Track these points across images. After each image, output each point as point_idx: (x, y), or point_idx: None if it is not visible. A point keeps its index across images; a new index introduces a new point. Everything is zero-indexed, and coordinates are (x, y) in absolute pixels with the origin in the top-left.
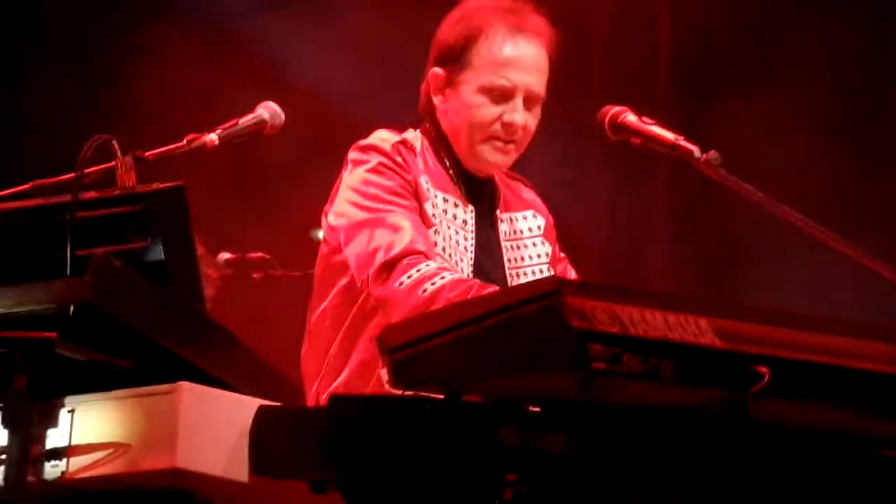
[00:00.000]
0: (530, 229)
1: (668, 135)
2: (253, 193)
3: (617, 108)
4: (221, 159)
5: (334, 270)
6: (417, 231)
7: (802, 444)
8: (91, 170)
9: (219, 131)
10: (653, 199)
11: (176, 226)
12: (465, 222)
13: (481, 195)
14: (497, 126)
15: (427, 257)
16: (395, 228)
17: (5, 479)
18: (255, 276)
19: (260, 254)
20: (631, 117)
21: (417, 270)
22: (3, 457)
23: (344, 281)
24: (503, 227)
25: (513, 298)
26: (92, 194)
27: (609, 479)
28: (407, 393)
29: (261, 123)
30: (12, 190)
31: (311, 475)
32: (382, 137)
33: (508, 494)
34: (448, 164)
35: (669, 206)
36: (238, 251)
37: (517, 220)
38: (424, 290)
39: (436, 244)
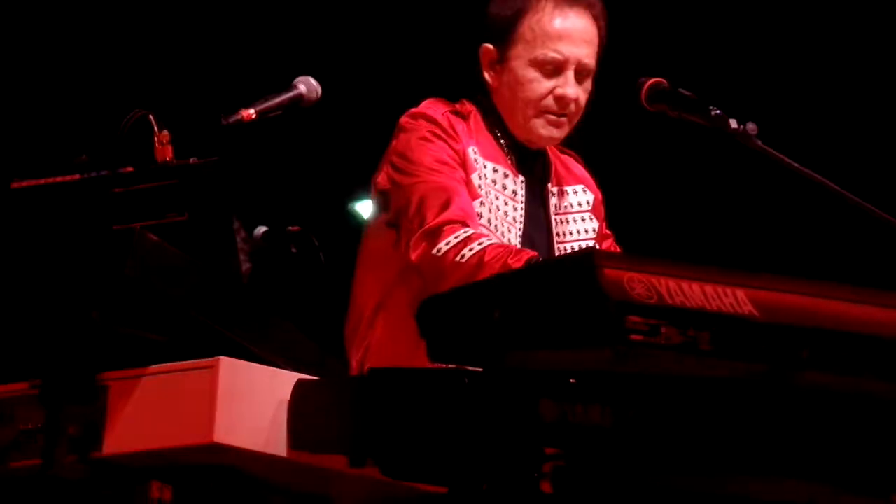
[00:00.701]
0: (579, 204)
1: (704, 106)
2: (290, 165)
3: (654, 80)
4: (260, 131)
5: (381, 238)
6: (461, 199)
7: (842, 413)
8: (128, 145)
9: (255, 106)
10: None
11: (213, 200)
12: (514, 192)
13: (532, 167)
14: (549, 100)
15: (467, 225)
16: (439, 196)
17: (42, 456)
18: (293, 249)
19: (296, 226)
20: (667, 88)
21: (456, 237)
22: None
23: (390, 249)
24: (553, 201)
25: (550, 271)
26: (129, 169)
27: (648, 452)
28: (445, 366)
29: (297, 97)
30: (50, 166)
31: (349, 449)
32: (433, 106)
33: (547, 468)
34: (499, 135)
35: (704, 179)
36: (275, 225)
37: (567, 193)
38: (462, 257)
39: (480, 216)
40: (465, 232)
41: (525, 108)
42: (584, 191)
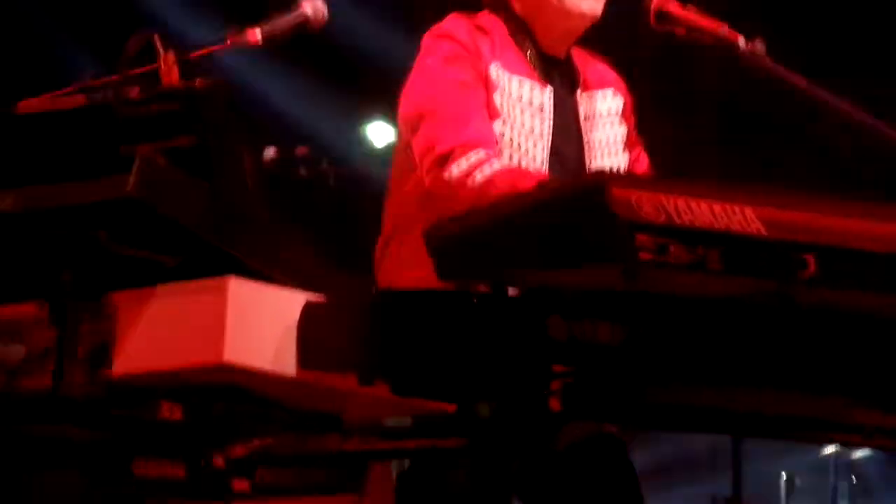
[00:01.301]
0: (609, 110)
1: (713, 22)
2: (301, 89)
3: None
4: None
5: (405, 159)
6: (477, 123)
7: (852, 330)
8: (133, 69)
9: (261, 28)
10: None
11: (220, 122)
12: (542, 105)
13: (560, 76)
14: None
15: (481, 148)
16: (455, 120)
17: (53, 377)
18: (301, 171)
19: (306, 148)
20: (675, 6)
21: (467, 160)
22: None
23: (412, 171)
24: (582, 109)
25: (559, 191)
26: (134, 92)
27: (656, 370)
28: (454, 286)
29: (303, 19)
30: (56, 91)
31: (358, 368)
32: (456, 22)
33: (556, 385)
34: (526, 46)
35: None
36: (284, 146)
37: (597, 99)
38: (473, 179)
39: (502, 135)
40: (477, 154)
41: None
42: (615, 95)
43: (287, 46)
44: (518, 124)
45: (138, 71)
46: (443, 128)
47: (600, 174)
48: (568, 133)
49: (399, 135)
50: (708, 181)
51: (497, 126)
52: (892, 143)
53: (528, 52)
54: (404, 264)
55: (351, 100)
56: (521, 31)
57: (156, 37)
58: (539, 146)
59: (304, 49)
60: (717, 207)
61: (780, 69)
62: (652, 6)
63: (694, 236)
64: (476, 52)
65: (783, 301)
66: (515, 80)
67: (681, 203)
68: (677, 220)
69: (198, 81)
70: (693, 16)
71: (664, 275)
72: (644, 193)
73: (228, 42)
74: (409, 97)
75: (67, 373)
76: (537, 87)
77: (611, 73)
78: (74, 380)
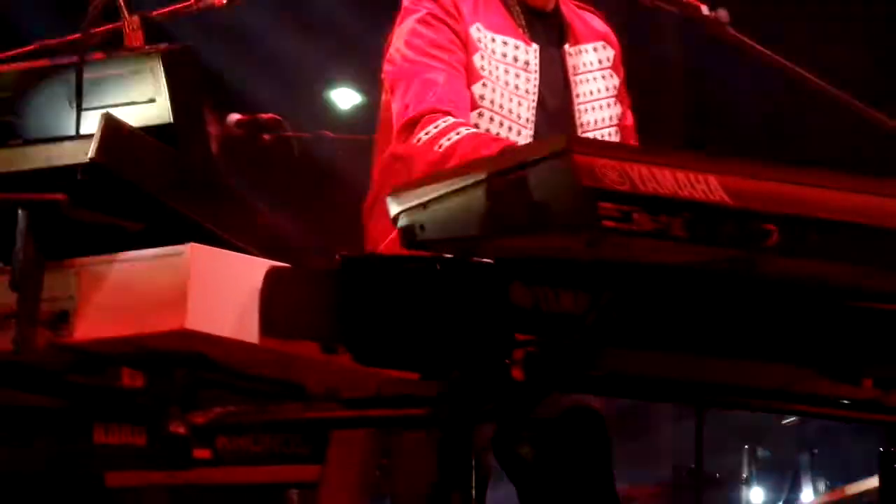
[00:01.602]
0: (600, 61)
1: None
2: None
3: None
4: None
5: (387, 121)
6: (450, 88)
7: (813, 300)
8: (97, 30)
9: None
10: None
11: (184, 87)
12: (527, 63)
13: (546, 31)
14: None
15: (450, 114)
16: (428, 85)
17: (14, 341)
18: (265, 137)
19: (270, 115)
20: None
21: (435, 127)
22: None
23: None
24: (572, 62)
25: (522, 157)
26: (98, 55)
27: (620, 337)
28: (418, 252)
29: None
30: (18, 51)
31: (321, 336)
32: None
33: (519, 354)
34: (510, 2)
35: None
36: (248, 112)
37: (587, 51)
38: (440, 146)
39: (482, 97)
40: (445, 121)
41: None
42: (605, 47)
43: (253, 9)
44: (501, 83)
45: (101, 30)
46: (413, 93)
47: (563, 140)
48: (556, 88)
49: (383, 92)
50: (672, 149)
51: (477, 89)
52: (857, 113)
53: (513, 8)
54: (388, 230)
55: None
56: None
57: (119, 0)
58: (525, 104)
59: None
60: (680, 176)
61: (743, 38)
62: None
63: (658, 204)
64: (456, 14)
65: (746, 270)
66: (499, 39)
67: (644, 171)
68: (641, 188)
69: (162, 45)
70: None
71: (627, 242)
72: (608, 160)
73: (193, 3)
74: (390, 58)
75: (28, 338)
76: (522, 44)
77: (600, 24)
78: (35, 345)
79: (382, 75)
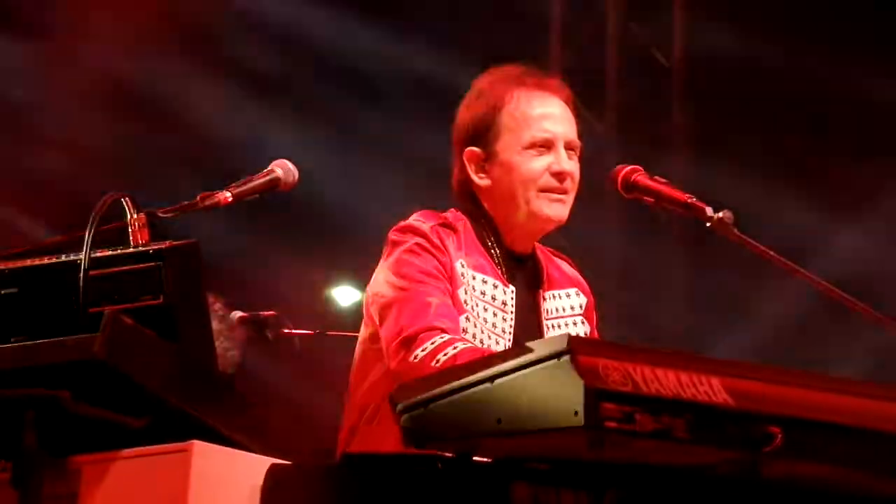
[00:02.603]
0: (572, 307)
1: (680, 194)
2: (265, 250)
3: (629, 168)
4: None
5: (372, 348)
6: (443, 308)
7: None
8: (103, 227)
9: (232, 189)
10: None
11: (188, 283)
12: (504, 303)
13: (524, 275)
14: (547, 177)
15: (446, 332)
16: (422, 306)
17: None
18: (268, 334)
19: (272, 312)
20: (642, 177)
21: (432, 343)
22: None
23: (382, 364)
24: (546, 306)
25: (525, 357)
26: (104, 252)
27: None
28: (419, 451)
29: (274, 181)
30: (25, 248)
31: None
32: (421, 219)
33: None
34: (490, 243)
35: (684, 263)
36: (250, 310)
37: (561, 297)
38: (437, 361)
39: (465, 331)
40: (442, 338)
41: (526, 191)
42: (578, 294)
43: (256, 211)
44: (481, 320)
45: (107, 229)
46: (408, 315)
47: (566, 340)
48: (530, 332)
49: (364, 326)
50: (675, 350)
51: (462, 322)
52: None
53: (493, 250)
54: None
55: (318, 264)
56: (488, 227)
57: (126, 198)
58: (501, 343)
59: (272, 213)
60: (683, 377)
61: (748, 239)
62: (619, 177)
63: (660, 405)
64: (442, 247)
65: (750, 472)
66: (479, 277)
67: (647, 371)
68: (644, 389)
69: (167, 242)
70: (661, 187)
71: (629, 443)
72: (611, 361)
73: (199, 202)
74: (377, 289)
75: None
76: (500, 285)
77: (573, 272)
78: None
79: (369, 306)
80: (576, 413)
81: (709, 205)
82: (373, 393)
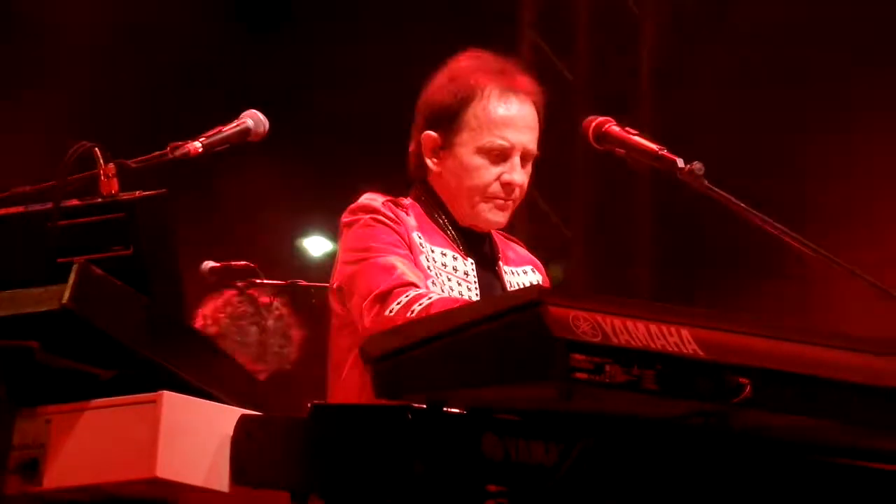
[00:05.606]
0: (531, 283)
1: (651, 145)
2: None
3: (601, 119)
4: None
5: (345, 337)
6: (408, 267)
7: (785, 455)
8: (73, 177)
9: (202, 139)
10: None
11: (158, 234)
12: (466, 273)
13: (480, 251)
14: (496, 186)
15: (416, 286)
16: (388, 266)
17: None
18: (239, 284)
19: (244, 262)
20: (615, 128)
21: (406, 296)
22: None
23: (353, 355)
24: (507, 279)
25: (495, 308)
26: (74, 202)
27: (591, 490)
28: (390, 402)
29: (245, 131)
30: None
31: (292, 485)
32: (371, 196)
33: None
34: (443, 222)
35: (654, 216)
36: (222, 260)
37: (518, 273)
38: (412, 312)
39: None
40: (416, 290)
41: (471, 196)
42: (534, 271)
43: (229, 159)
44: (448, 288)
45: (77, 178)
46: (376, 276)
47: (536, 292)
48: None
49: (334, 317)
50: (644, 301)
51: (429, 285)
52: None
53: (448, 228)
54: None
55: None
56: (439, 208)
57: (96, 148)
58: None
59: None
60: (653, 328)
61: (718, 190)
62: (591, 127)
63: (630, 356)
64: (396, 219)
65: (719, 423)
66: (438, 250)
67: (617, 322)
68: (614, 340)
69: (137, 193)
70: (632, 138)
71: (599, 394)
72: (581, 312)
73: (169, 152)
74: (339, 271)
75: None
76: (460, 258)
77: (526, 253)
78: (6, 493)
79: (335, 290)
80: (546, 363)
81: (679, 156)
82: (347, 388)
